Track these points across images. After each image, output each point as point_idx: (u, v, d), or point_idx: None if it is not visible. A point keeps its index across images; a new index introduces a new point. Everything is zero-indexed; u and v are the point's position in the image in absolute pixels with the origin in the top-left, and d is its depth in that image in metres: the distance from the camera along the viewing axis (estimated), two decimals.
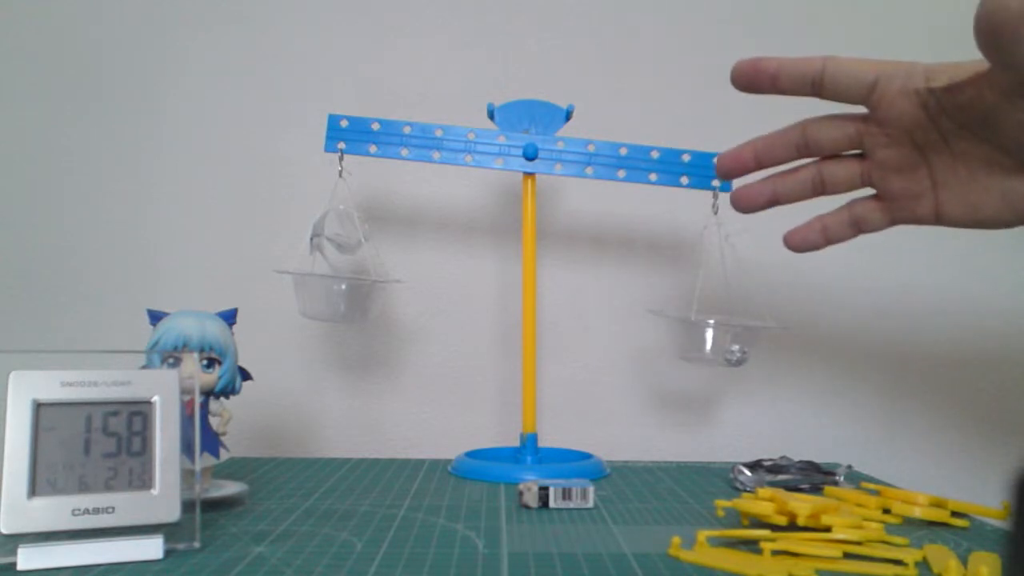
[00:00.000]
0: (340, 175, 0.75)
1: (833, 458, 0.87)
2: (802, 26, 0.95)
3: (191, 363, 0.61)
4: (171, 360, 0.61)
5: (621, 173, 0.77)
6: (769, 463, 0.72)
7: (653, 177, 0.77)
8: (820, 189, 0.59)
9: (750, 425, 0.92)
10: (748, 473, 0.71)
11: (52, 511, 0.46)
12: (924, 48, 0.95)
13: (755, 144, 0.58)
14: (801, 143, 0.57)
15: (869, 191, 0.58)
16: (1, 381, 0.47)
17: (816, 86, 0.55)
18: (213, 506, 0.60)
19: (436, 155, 0.77)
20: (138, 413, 0.49)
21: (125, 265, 0.92)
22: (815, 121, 0.57)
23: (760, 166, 0.59)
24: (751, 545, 0.52)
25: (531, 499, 0.62)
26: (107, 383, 0.49)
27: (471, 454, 0.80)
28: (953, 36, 0.95)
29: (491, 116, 0.78)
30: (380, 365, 0.92)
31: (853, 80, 0.53)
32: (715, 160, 0.59)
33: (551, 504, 0.62)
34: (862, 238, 0.94)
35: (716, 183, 0.77)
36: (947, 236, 0.94)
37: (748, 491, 0.69)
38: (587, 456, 0.81)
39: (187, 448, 0.51)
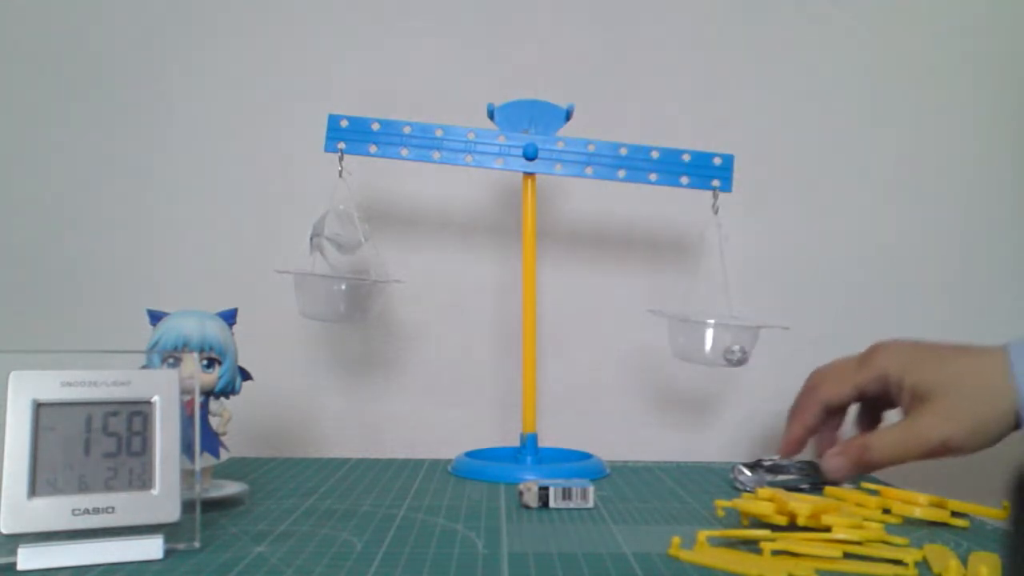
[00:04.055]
0: (340, 175, 0.75)
1: None
2: (803, 26, 0.95)
3: (191, 363, 0.61)
4: (171, 360, 0.61)
5: (621, 173, 0.77)
6: (769, 463, 0.72)
7: (653, 177, 0.77)
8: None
9: (750, 425, 0.92)
10: (748, 473, 0.71)
11: (52, 511, 0.46)
12: (925, 45, 0.95)
13: (797, 431, 0.72)
14: (821, 410, 0.71)
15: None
16: (1, 381, 0.47)
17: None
18: (213, 506, 0.60)
19: (436, 155, 0.77)
20: (138, 413, 0.49)
21: (125, 265, 0.92)
22: (826, 391, 0.71)
23: (810, 435, 0.73)
24: (751, 545, 0.52)
25: (531, 499, 0.62)
26: (107, 383, 0.49)
27: (471, 454, 0.80)
28: (952, 31, 0.96)
29: (491, 116, 0.78)
30: (380, 365, 0.92)
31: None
32: (782, 453, 0.72)
33: (551, 504, 0.62)
34: (863, 236, 0.94)
35: (716, 183, 0.77)
36: (947, 235, 0.94)
37: (748, 491, 0.69)
38: (587, 456, 0.81)
39: (187, 448, 0.51)
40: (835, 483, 0.68)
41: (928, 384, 0.64)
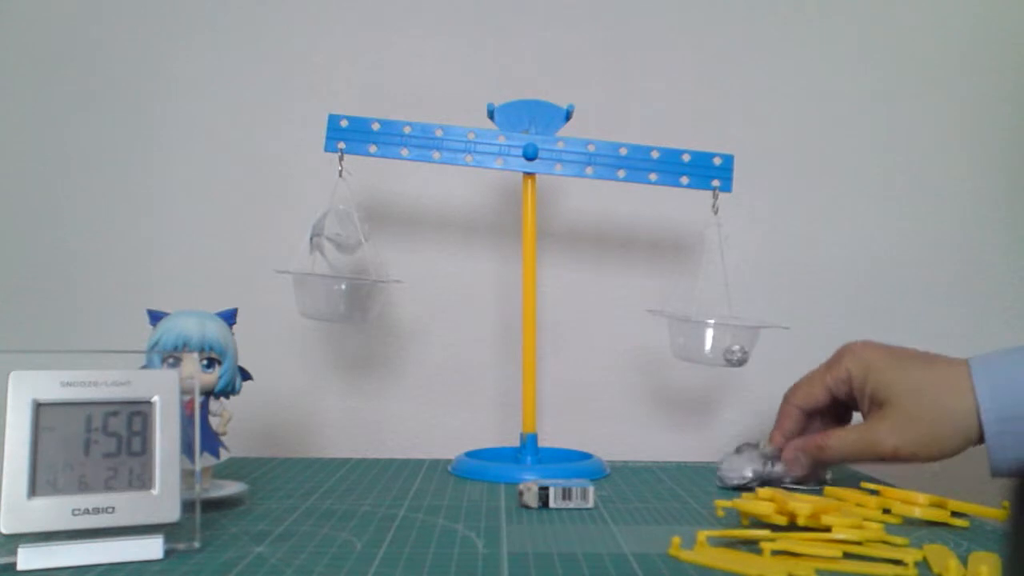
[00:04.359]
0: (340, 175, 0.75)
1: None
2: (803, 26, 0.95)
3: (191, 363, 0.61)
4: (171, 360, 0.61)
5: (621, 173, 0.77)
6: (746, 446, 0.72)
7: (653, 177, 0.77)
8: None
9: (750, 425, 0.92)
10: (734, 453, 0.72)
11: (52, 511, 0.46)
12: (926, 47, 0.95)
13: (778, 440, 0.72)
14: (799, 414, 0.72)
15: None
16: (1, 381, 0.47)
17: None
18: (213, 506, 0.60)
19: (436, 155, 0.77)
20: (138, 413, 0.49)
21: (125, 265, 0.92)
22: (799, 396, 0.72)
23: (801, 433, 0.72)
24: (751, 545, 0.52)
25: (531, 499, 0.62)
26: (107, 383, 0.49)
27: (471, 454, 0.80)
28: (954, 32, 0.96)
29: (491, 116, 0.78)
30: (380, 365, 0.92)
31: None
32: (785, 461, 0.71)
33: (551, 504, 0.62)
34: (863, 236, 0.94)
35: (716, 183, 0.77)
36: (947, 236, 0.94)
37: (733, 482, 0.70)
38: (587, 456, 0.81)
39: (187, 448, 0.51)
40: (799, 482, 0.70)
41: (887, 391, 0.65)
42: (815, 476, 0.70)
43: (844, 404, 0.71)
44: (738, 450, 0.72)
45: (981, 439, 0.61)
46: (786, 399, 0.73)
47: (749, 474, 0.70)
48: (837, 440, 0.67)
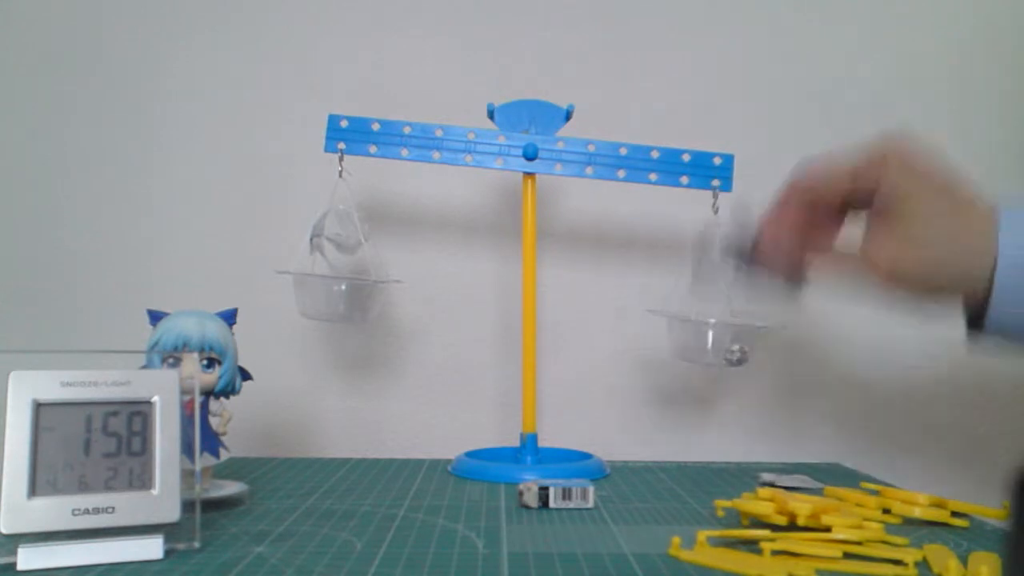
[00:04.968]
0: (340, 175, 0.75)
1: (833, 458, 0.88)
2: (803, 26, 0.95)
3: (191, 363, 0.61)
4: (171, 360, 0.61)
5: (621, 173, 0.77)
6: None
7: (653, 177, 0.77)
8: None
9: (750, 425, 0.92)
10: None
11: (52, 511, 0.46)
12: (927, 47, 0.95)
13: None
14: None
15: None
16: (1, 381, 0.47)
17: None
18: (213, 506, 0.60)
19: (436, 155, 0.77)
20: (138, 413, 0.49)
21: (125, 265, 0.92)
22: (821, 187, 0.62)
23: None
24: (751, 545, 0.52)
25: (531, 499, 0.62)
26: (107, 383, 0.49)
27: (471, 454, 0.80)
28: (955, 33, 0.96)
29: (491, 116, 0.78)
30: (380, 365, 0.92)
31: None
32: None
33: (551, 504, 0.62)
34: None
35: (716, 183, 0.77)
36: None
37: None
38: (587, 456, 0.81)
39: (187, 448, 0.51)
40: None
41: (910, 217, 0.57)
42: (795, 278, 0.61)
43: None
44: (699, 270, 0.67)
45: (982, 294, 0.56)
46: (795, 186, 0.62)
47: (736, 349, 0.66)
48: (835, 264, 0.59)
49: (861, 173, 0.59)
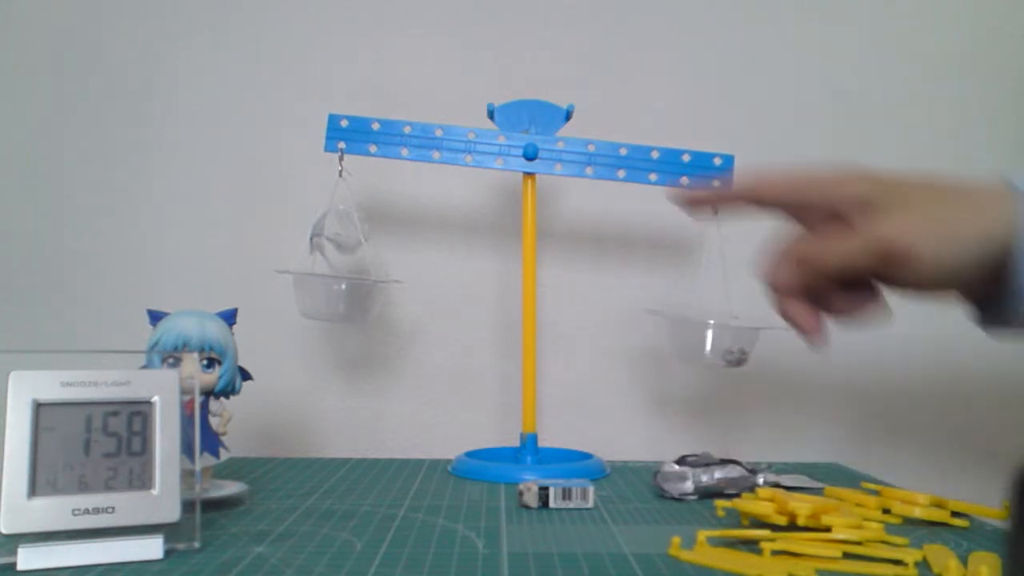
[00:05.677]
0: (340, 175, 0.75)
1: (833, 458, 0.87)
2: (803, 25, 0.95)
3: (191, 363, 0.61)
4: (171, 360, 0.61)
5: (621, 173, 0.77)
6: (692, 458, 0.69)
7: (653, 177, 0.77)
8: None
9: (749, 425, 0.92)
10: (676, 467, 0.67)
11: (52, 511, 0.46)
12: (927, 47, 0.95)
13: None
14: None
15: None
16: (1, 381, 0.47)
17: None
18: (213, 506, 0.60)
19: (436, 155, 0.77)
20: (138, 413, 0.49)
21: (125, 265, 0.92)
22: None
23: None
24: (751, 545, 0.52)
25: (531, 499, 0.62)
26: (107, 383, 0.49)
27: (471, 454, 0.80)
28: (955, 33, 0.96)
29: (491, 116, 0.78)
30: (380, 365, 0.92)
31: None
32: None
33: (551, 504, 0.62)
34: None
35: (716, 183, 0.77)
36: None
37: (670, 494, 0.66)
38: (587, 456, 0.81)
39: (187, 448, 0.51)
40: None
41: (904, 199, 0.54)
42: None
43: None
44: (681, 460, 0.68)
45: (1000, 262, 0.51)
46: (788, 254, 0.54)
47: (689, 487, 0.66)
48: (836, 245, 0.53)
49: (827, 184, 0.54)
